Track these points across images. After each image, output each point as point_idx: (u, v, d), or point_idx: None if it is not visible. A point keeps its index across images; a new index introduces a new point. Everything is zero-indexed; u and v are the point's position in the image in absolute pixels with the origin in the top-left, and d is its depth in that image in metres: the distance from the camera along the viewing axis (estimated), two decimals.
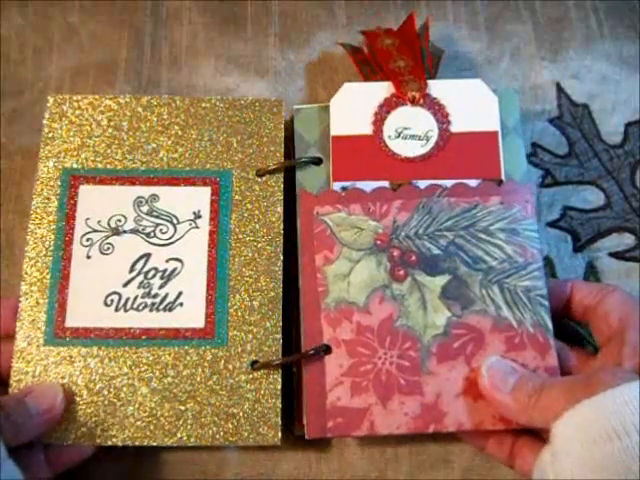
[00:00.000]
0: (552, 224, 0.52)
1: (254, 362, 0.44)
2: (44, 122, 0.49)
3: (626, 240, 0.52)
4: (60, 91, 0.55)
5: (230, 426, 0.43)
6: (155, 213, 0.47)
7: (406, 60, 0.50)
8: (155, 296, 0.45)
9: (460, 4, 0.59)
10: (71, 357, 0.44)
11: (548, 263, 0.51)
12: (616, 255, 0.52)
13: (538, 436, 0.42)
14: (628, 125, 0.55)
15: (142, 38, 0.57)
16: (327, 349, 0.44)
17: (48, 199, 0.46)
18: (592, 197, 0.53)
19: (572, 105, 0.56)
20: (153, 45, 0.57)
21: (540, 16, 0.59)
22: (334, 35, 0.58)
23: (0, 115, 0.55)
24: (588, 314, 0.44)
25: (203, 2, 0.59)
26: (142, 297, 0.45)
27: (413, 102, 0.49)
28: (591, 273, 0.51)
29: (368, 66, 0.52)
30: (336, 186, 0.47)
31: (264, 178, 0.48)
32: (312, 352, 0.44)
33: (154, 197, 0.47)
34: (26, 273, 0.45)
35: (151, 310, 0.45)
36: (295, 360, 0.44)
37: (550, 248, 0.51)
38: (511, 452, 0.42)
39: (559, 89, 0.56)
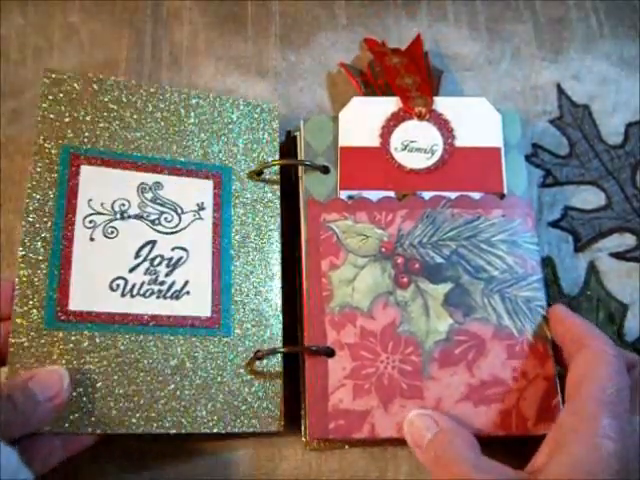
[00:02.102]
0: (553, 224, 0.52)
1: (257, 351, 0.45)
2: (41, 97, 0.46)
3: (627, 240, 0.52)
4: None
5: (234, 414, 0.43)
6: (159, 201, 0.46)
7: (413, 77, 0.51)
8: (162, 283, 0.45)
9: (460, 4, 0.59)
10: (75, 341, 0.42)
11: (549, 263, 0.51)
12: (617, 255, 0.52)
13: None
14: (629, 126, 0.55)
15: (142, 38, 0.57)
16: (330, 352, 0.44)
17: (47, 175, 0.45)
18: (593, 197, 0.53)
19: (573, 106, 0.56)
20: (153, 45, 0.57)
21: (540, 16, 0.59)
22: (335, 36, 0.58)
23: (0, 115, 0.54)
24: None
25: (204, 2, 0.59)
26: (149, 284, 0.44)
27: (419, 117, 0.50)
28: (592, 273, 0.51)
29: (369, 87, 0.54)
30: (343, 195, 0.48)
31: (262, 175, 0.49)
32: (315, 348, 0.44)
33: (158, 185, 0.47)
34: (24, 251, 0.43)
35: (158, 297, 0.44)
36: (298, 352, 0.45)
37: (551, 248, 0.52)
38: None
39: (560, 90, 0.56)
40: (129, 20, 0.58)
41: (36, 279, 0.42)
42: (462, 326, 0.45)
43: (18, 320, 0.41)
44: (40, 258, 0.43)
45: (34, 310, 0.42)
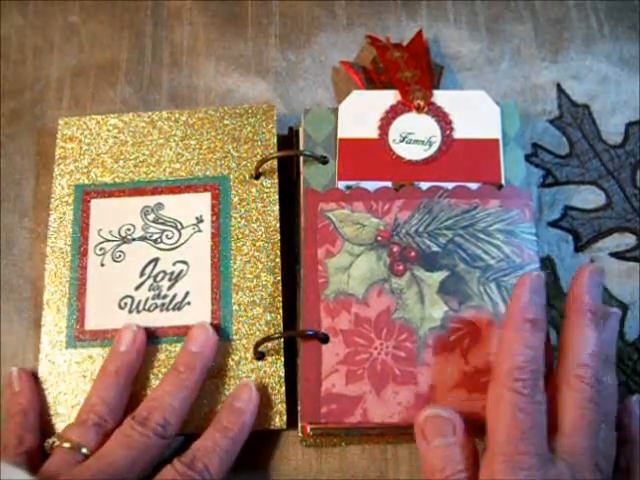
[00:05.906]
0: (553, 224, 0.52)
1: (255, 347, 0.45)
2: (57, 142, 0.51)
3: (627, 240, 0.52)
4: (60, 91, 0.56)
5: None
6: (161, 220, 0.49)
7: (413, 71, 0.52)
8: (164, 297, 0.47)
9: (460, 4, 0.59)
10: (90, 357, 0.46)
11: (549, 263, 0.51)
12: (617, 255, 0.51)
13: None
14: (629, 125, 0.55)
15: (143, 38, 0.58)
16: (324, 338, 0.45)
17: (64, 214, 0.49)
18: (593, 197, 0.53)
19: (572, 105, 0.56)
20: (154, 46, 0.57)
21: (540, 16, 0.59)
22: (335, 36, 0.58)
23: (0, 115, 0.55)
24: None
25: (204, 2, 0.59)
26: (152, 299, 0.47)
27: (418, 110, 0.50)
28: None
29: (372, 84, 0.54)
30: (341, 185, 0.48)
31: (260, 179, 0.50)
32: (310, 332, 0.45)
33: (159, 205, 0.49)
34: (48, 284, 0.48)
35: (161, 310, 0.47)
36: (292, 336, 0.46)
37: (551, 248, 0.51)
38: None
39: (559, 89, 0.56)
40: (129, 21, 0.58)
41: (58, 309, 0.47)
42: (457, 314, 0.45)
43: (45, 347, 0.47)
44: (61, 290, 0.48)
45: (58, 335, 0.47)
